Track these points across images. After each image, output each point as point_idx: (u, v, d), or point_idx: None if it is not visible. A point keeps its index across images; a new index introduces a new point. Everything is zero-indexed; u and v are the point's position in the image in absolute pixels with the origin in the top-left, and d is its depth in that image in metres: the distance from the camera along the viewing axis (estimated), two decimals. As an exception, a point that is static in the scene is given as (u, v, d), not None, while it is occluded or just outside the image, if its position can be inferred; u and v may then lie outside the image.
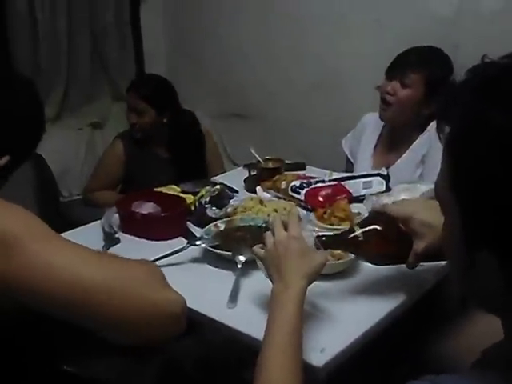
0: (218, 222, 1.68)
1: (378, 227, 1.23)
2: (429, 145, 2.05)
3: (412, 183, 1.79)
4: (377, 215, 1.29)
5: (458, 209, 0.62)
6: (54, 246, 0.77)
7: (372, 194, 1.77)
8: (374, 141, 2.27)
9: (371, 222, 1.25)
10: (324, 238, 1.22)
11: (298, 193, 1.88)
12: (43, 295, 0.73)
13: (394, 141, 2.20)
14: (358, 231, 1.23)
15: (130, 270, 0.81)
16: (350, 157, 2.34)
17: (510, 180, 0.56)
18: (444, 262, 1.34)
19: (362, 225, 1.25)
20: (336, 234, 1.29)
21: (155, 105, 2.60)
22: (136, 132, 2.63)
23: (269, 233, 1.19)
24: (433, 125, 2.09)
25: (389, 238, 1.24)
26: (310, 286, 1.14)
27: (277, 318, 1.05)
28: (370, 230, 1.23)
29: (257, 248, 1.22)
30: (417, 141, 2.12)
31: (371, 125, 2.30)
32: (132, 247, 1.63)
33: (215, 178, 2.20)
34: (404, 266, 1.26)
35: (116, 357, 0.81)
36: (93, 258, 0.79)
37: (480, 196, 0.59)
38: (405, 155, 2.12)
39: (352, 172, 2.17)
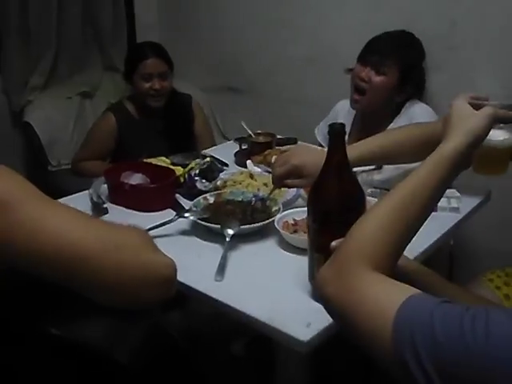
0: (208, 195, 1.68)
1: None
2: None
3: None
4: None
5: None
6: (45, 208, 0.76)
7: (363, 171, 1.76)
8: (348, 127, 2.26)
9: None
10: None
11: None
12: (34, 255, 0.73)
13: (367, 126, 2.18)
14: None
15: (122, 233, 0.81)
16: (323, 144, 2.32)
17: None
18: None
19: None
20: None
21: (172, 67, 2.63)
22: (159, 99, 2.59)
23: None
24: (407, 107, 2.09)
25: None
26: (294, 261, 1.13)
27: (416, 171, 0.98)
28: None
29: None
30: (393, 125, 2.11)
31: (343, 111, 2.30)
32: (120, 218, 1.60)
33: (205, 151, 2.19)
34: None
35: (102, 319, 0.81)
36: (84, 220, 0.79)
37: None
38: None
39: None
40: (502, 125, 1.32)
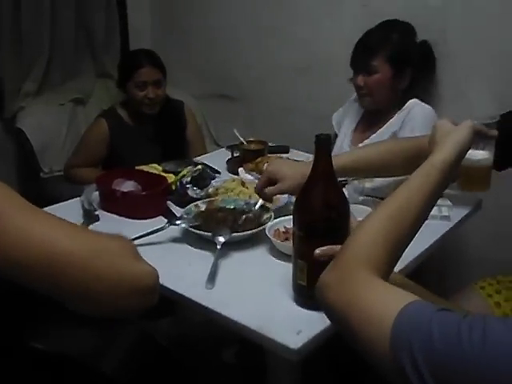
0: (199, 203, 1.68)
1: None
2: (401, 124, 2.06)
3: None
4: None
5: None
6: (30, 218, 0.76)
7: (354, 179, 1.77)
8: (358, 116, 2.28)
9: None
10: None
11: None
12: (17, 265, 0.73)
13: (372, 118, 2.21)
14: None
15: (104, 242, 0.81)
16: (335, 128, 2.34)
17: None
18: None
19: None
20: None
21: (165, 75, 2.63)
22: (153, 107, 2.59)
23: None
24: (409, 105, 2.10)
25: None
26: (285, 268, 1.13)
27: (408, 181, 1.03)
28: None
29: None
30: (393, 118, 2.12)
31: (355, 104, 2.31)
32: (111, 225, 1.62)
33: (197, 159, 2.19)
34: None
35: (86, 331, 0.81)
36: (69, 229, 0.78)
37: None
38: (379, 131, 2.12)
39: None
40: (481, 144, 1.42)
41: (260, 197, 1.62)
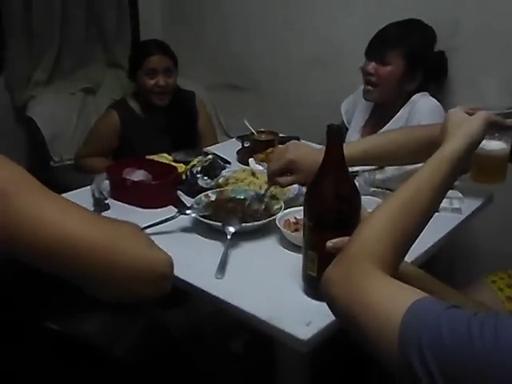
0: (209, 192, 1.67)
1: None
2: (406, 120, 2.06)
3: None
4: None
5: None
6: (44, 200, 0.76)
7: (365, 171, 1.76)
8: (368, 113, 2.28)
9: None
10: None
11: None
12: (32, 248, 0.73)
13: (381, 115, 2.21)
14: None
15: (119, 227, 0.81)
16: (344, 119, 2.34)
17: None
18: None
19: None
20: None
21: (176, 64, 2.62)
22: (163, 97, 2.58)
23: None
24: (414, 98, 2.09)
25: None
26: (295, 259, 1.13)
27: (418, 173, 1.02)
28: None
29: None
30: (399, 113, 2.12)
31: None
32: (122, 214, 1.62)
33: (208, 149, 2.19)
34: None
35: (100, 315, 0.81)
36: (83, 214, 0.78)
37: None
38: (386, 127, 2.12)
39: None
40: (497, 134, 1.37)
41: (270, 181, 1.59)
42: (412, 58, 2.08)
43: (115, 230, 0.80)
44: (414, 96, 2.11)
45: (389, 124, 2.12)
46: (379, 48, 2.10)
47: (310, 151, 1.56)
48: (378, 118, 2.22)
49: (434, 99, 2.11)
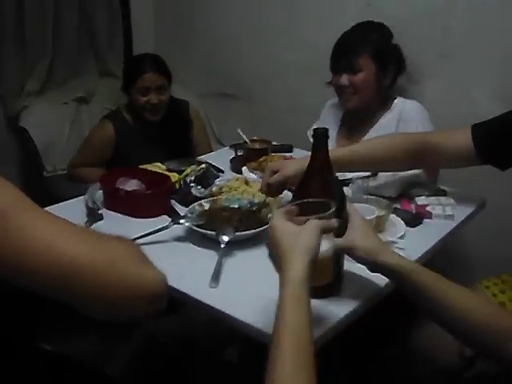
0: (203, 201, 1.67)
1: None
2: (396, 125, 2.07)
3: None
4: None
5: None
6: (37, 220, 0.76)
7: (358, 178, 1.77)
8: (337, 124, 2.29)
9: None
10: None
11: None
12: (25, 269, 0.73)
13: (356, 121, 2.21)
14: None
15: (113, 245, 0.80)
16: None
17: None
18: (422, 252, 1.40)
19: None
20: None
21: (170, 80, 2.61)
22: (155, 113, 2.58)
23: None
24: (396, 104, 2.11)
25: None
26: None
27: (281, 312, 0.93)
28: None
29: None
30: (382, 119, 2.13)
31: (332, 109, 2.32)
32: (115, 224, 1.62)
33: (201, 157, 2.19)
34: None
35: (94, 334, 0.81)
36: (76, 232, 0.78)
37: None
38: (370, 133, 2.12)
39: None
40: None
41: (266, 194, 1.63)
42: (379, 56, 2.10)
43: (108, 249, 0.79)
44: (395, 102, 2.12)
45: (372, 131, 2.13)
46: (346, 58, 2.10)
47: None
48: (353, 123, 2.23)
49: (413, 100, 2.13)
